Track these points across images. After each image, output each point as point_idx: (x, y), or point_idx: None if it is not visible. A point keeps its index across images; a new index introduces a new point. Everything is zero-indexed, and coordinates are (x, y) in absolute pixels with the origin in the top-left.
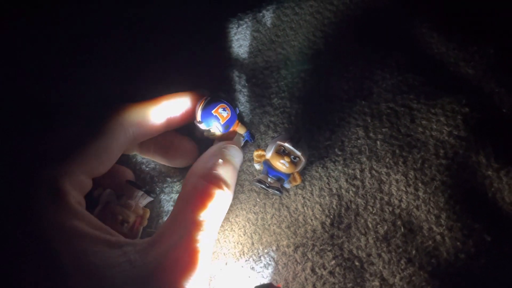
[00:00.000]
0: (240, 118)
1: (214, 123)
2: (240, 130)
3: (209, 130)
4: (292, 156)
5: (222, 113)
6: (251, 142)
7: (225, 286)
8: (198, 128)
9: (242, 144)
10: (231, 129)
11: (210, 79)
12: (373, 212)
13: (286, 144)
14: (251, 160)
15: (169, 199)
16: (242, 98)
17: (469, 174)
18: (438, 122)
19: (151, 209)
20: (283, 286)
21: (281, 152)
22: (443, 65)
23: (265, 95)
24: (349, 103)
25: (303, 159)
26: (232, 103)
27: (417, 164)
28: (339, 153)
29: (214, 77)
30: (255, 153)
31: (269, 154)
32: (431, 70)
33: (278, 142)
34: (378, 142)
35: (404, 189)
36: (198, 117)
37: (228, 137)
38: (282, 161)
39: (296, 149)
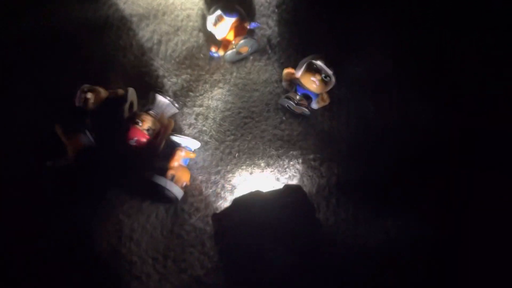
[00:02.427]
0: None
1: None
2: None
3: None
4: (323, 75)
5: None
6: (259, 25)
7: (249, 197)
8: None
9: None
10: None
11: (241, 3)
12: (399, 139)
13: (319, 62)
14: (278, 81)
15: (191, 113)
16: (271, 22)
17: None
18: None
19: (175, 121)
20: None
21: (312, 70)
22: None
23: (294, 21)
24: (380, 33)
25: (333, 79)
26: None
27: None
28: (368, 79)
29: (242, 0)
30: (285, 70)
31: (299, 72)
32: None
33: (310, 60)
34: (406, 73)
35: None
36: None
37: None
38: (313, 78)
39: (329, 67)
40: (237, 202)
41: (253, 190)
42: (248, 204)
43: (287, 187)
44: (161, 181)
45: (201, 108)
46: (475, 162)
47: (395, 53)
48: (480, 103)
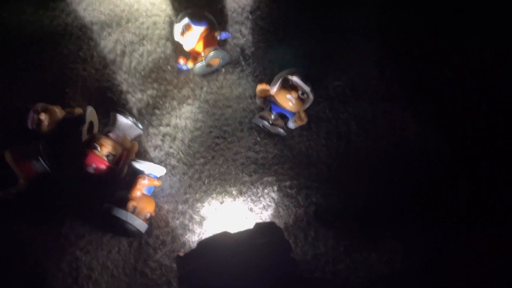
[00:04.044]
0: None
1: None
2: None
3: None
4: (300, 92)
5: None
6: (230, 36)
7: (220, 228)
8: None
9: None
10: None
11: (211, 9)
12: (382, 157)
13: (295, 78)
14: (252, 97)
15: (157, 133)
16: (245, 30)
17: None
18: None
19: (139, 143)
20: (283, 230)
21: (288, 87)
22: None
23: (270, 29)
24: (365, 39)
25: (311, 96)
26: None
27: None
28: (350, 94)
29: (215, 7)
30: (259, 87)
31: (274, 89)
32: None
33: (285, 76)
34: (392, 85)
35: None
36: None
37: None
38: (289, 96)
39: (305, 83)
40: (203, 244)
41: (221, 231)
42: (215, 247)
43: (259, 226)
44: (121, 214)
45: (168, 128)
46: (467, 185)
47: (379, 63)
48: (474, 117)
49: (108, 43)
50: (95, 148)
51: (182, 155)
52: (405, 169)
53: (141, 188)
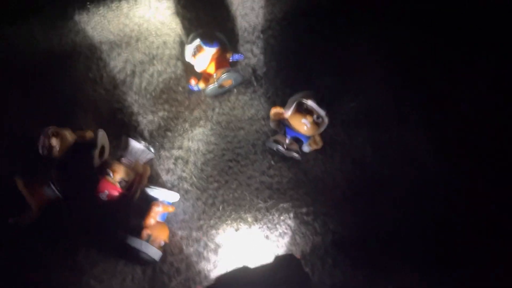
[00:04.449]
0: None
1: None
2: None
3: None
4: (315, 116)
5: None
6: (242, 58)
7: (235, 256)
8: None
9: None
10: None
11: (222, 28)
12: (399, 184)
13: (310, 102)
14: (265, 118)
15: (169, 156)
16: (256, 50)
17: None
18: None
19: (151, 167)
20: (301, 261)
21: (302, 111)
22: None
23: (282, 48)
24: (378, 60)
25: (326, 120)
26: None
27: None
28: (364, 116)
29: (225, 26)
30: (273, 110)
31: (288, 112)
32: None
33: (300, 99)
34: (408, 108)
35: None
36: None
37: None
38: (304, 120)
39: (321, 107)
40: (222, 280)
41: (237, 261)
42: (235, 283)
43: (277, 259)
44: (136, 243)
45: (180, 151)
46: (490, 216)
47: (395, 85)
48: (495, 143)
49: (117, 63)
50: (108, 174)
51: (195, 179)
52: (423, 197)
53: (155, 215)
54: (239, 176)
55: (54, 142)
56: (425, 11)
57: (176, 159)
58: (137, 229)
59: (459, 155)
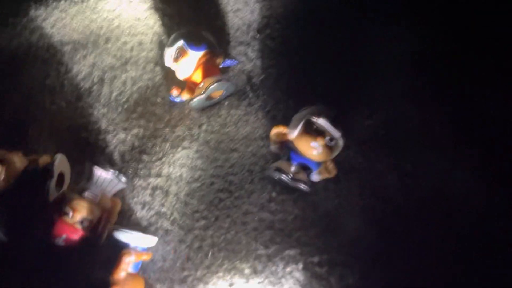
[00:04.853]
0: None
1: None
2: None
3: None
4: (328, 138)
5: None
6: (236, 63)
7: None
8: None
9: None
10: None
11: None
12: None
13: (321, 121)
14: (264, 138)
15: (145, 186)
16: (251, 53)
17: None
18: None
19: (122, 200)
20: None
21: (312, 131)
22: None
23: (282, 51)
24: (400, 70)
25: (341, 142)
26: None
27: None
28: (385, 137)
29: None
30: (274, 130)
31: (294, 133)
32: None
33: (309, 117)
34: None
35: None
36: None
37: None
38: (313, 143)
39: (335, 127)
40: None
41: None
42: None
43: None
44: None
45: (159, 179)
46: None
47: (417, 100)
48: None
49: (82, 68)
50: (66, 213)
51: (177, 215)
52: (464, 240)
53: (127, 267)
54: (233, 212)
55: None
56: (458, 8)
57: (154, 189)
58: (103, 285)
59: (499, 188)
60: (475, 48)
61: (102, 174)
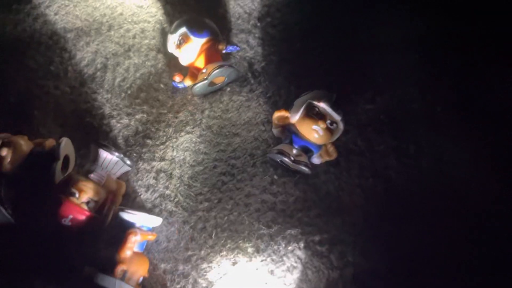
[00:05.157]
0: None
1: None
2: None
3: None
4: (329, 121)
5: None
6: (239, 49)
7: None
8: None
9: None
10: None
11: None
12: (431, 203)
13: (322, 104)
14: (265, 123)
15: (149, 169)
16: (252, 40)
17: None
18: None
19: (127, 182)
20: None
21: (313, 115)
22: None
23: (283, 38)
24: (402, 54)
25: (341, 126)
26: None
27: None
28: (386, 120)
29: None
30: (276, 114)
31: (296, 117)
32: None
33: (311, 101)
34: (438, 109)
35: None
36: None
37: None
38: (315, 126)
39: (336, 111)
40: None
41: None
42: None
43: None
44: (109, 282)
45: (162, 163)
46: None
47: (419, 83)
48: None
49: (85, 54)
50: (73, 195)
51: (181, 197)
52: (461, 218)
53: (132, 246)
54: (235, 194)
55: (5, 152)
56: None
57: (158, 172)
58: (110, 264)
59: (504, 168)
60: (477, 32)
61: (108, 156)
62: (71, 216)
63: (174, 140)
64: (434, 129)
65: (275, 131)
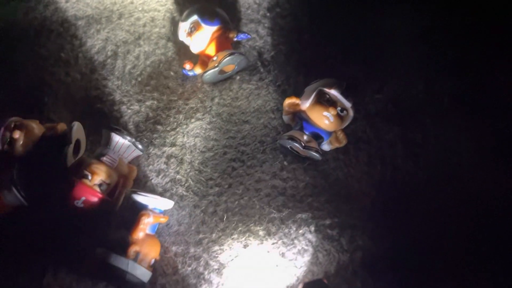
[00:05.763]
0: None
1: None
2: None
3: None
4: (339, 108)
5: None
6: (249, 37)
7: (244, 279)
8: None
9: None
10: None
11: (221, 5)
12: (436, 190)
13: (333, 91)
14: (275, 110)
15: (160, 155)
16: (262, 30)
17: None
18: None
19: (138, 167)
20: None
21: (324, 102)
22: None
23: (292, 28)
24: (407, 46)
25: (351, 113)
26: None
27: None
28: (394, 109)
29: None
30: (287, 101)
31: (307, 104)
32: None
33: (322, 89)
34: (445, 99)
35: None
36: None
37: None
38: (326, 113)
39: (346, 98)
40: None
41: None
42: None
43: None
44: (121, 263)
45: (173, 148)
46: None
47: (426, 74)
48: None
49: (96, 42)
50: (85, 177)
51: (191, 182)
52: (467, 205)
53: (145, 228)
54: (245, 179)
55: (17, 135)
56: None
57: (169, 157)
58: (122, 245)
59: (509, 156)
60: (481, 24)
61: (120, 140)
62: (83, 198)
63: (185, 126)
64: (441, 118)
65: (285, 118)
